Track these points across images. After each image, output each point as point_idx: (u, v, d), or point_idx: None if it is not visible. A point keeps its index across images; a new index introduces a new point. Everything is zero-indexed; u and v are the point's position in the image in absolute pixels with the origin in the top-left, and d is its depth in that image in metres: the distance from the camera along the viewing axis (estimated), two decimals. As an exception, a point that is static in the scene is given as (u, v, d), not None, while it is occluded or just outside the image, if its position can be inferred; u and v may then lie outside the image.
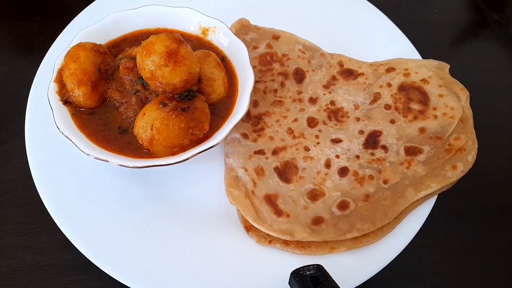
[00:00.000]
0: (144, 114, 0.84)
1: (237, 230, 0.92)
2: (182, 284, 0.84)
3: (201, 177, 0.98)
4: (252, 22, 1.17)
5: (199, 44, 1.03)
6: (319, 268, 0.81)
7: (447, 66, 1.09)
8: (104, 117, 0.91)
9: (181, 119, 0.83)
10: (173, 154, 0.86)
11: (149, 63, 0.81)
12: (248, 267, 0.87)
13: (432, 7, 1.39)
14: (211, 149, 0.98)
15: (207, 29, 1.02)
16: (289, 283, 0.82)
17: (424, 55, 1.14)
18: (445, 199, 1.03)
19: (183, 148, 0.86)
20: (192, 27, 1.03)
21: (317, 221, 0.90)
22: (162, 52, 0.80)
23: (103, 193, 0.91)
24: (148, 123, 0.82)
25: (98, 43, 0.94)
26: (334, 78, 1.12)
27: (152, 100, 0.87)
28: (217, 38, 1.02)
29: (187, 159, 0.84)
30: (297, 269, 0.81)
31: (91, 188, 0.92)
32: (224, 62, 1.01)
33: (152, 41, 0.81)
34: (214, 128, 0.91)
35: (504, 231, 1.01)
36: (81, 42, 0.92)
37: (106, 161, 0.82)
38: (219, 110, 0.94)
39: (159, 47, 0.80)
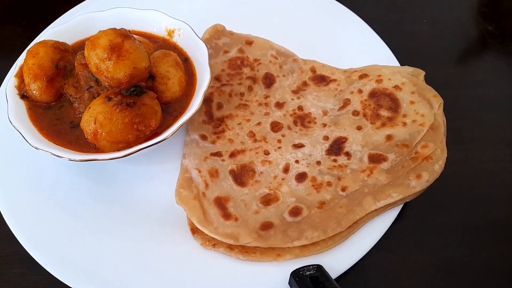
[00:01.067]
0: (89, 108, 0.84)
1: (183, 233, 0.89)
2: (125, 285, 0.82)
3: (157, 179, 0.97)
4: (232, 29, 1.17)
5: (164, 45, 1.03)
6: (319, 268, 0.79)
7: (422, 73, 1.04)
8: (59, 112, 0.91)
9: (125, 114, 0.82)
10: (119, 150, 0.85)
11: (94, 56, 0.81)
12: (190, 270, 0.84)
13: (421, 18, 1.34)
14: (168, 151, 0.98)
15: (173, 31, 1.03)
16: (289, 283, 0.79)
17: (410, 65, 1.08)
18: (415, 213, 0.96)
19: (129, 145, 0.85)
20: (158, 29, 1.04)
21: (266, 226, 0.86)
22: (106, 46, 0.80)
23: (50, 189, 0.91)
24: (92, 116, 0.82)
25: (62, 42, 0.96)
26: (305, 83, 1.09)
27: (101, 95, 0.87)
28: (181, 40, 1.02)
29: (130, 154, 0.83)
30: (297, 269, 0.79)
31: (40, 183, 0.92)
32: (187, 63, 1.00)
33: (98, 36, 0.82)
34: (166, 126, 0.90)
35: (477, 249, 0.92)
36: (44, 40, 0.94)
37: (47, 151, 0.82)
38: (173, 109, 0.93)
39: (103, 41, 0.81)
